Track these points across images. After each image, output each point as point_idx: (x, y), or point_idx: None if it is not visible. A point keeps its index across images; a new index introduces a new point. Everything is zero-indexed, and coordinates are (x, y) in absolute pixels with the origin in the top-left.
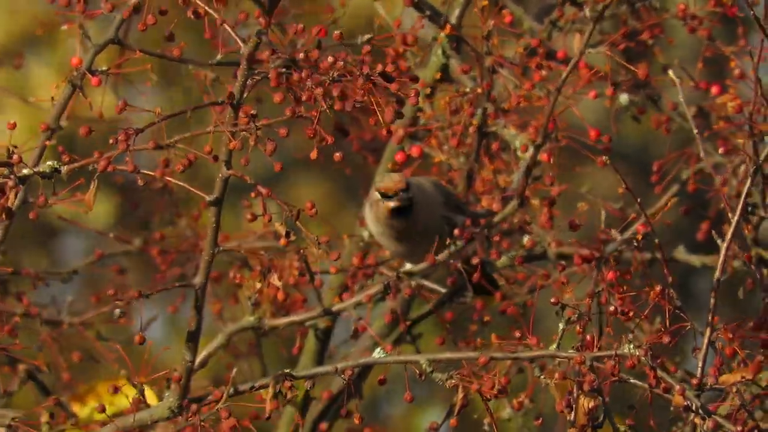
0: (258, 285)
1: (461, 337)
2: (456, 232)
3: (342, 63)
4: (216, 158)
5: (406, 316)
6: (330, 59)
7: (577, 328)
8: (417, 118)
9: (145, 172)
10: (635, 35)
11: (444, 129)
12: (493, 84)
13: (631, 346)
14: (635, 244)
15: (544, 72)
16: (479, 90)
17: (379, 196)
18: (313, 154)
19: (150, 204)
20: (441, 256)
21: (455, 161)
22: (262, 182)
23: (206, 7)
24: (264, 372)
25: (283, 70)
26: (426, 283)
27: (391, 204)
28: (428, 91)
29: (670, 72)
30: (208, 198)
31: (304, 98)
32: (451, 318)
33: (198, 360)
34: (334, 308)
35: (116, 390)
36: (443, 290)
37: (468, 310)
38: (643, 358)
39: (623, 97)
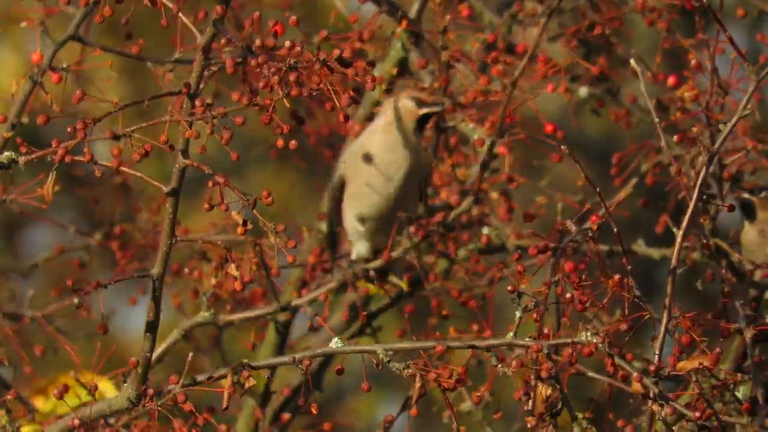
0: (214, 280)
1: (421, 330)
2: (412, 229)
3: (298, 49)
4: (172, 147)
5: (365, 308)
6: (287, 44)
7: (534, 315)
8: (374, 113)
9: (102, 162)
10: (594, 28)
11: None
12: (450, 79)
13: (588, 333)
14: (590, 234)
15: (501, 66)
16: (436, 85)
17: (411, 104)
18: (280, 143)
19: (110, 198)
20: (396, 252)
21: None
22: (222, 173)
23: None
24: (224, 364)
25: (239, 59)
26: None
27: (425, 110)
28: (385, 86)
29: (632, 61)
30: (165, 188)
31: (260, 86)
32: (410, 311)
33: (155, 356)
34: (292, 303)
35: (74, 383)
36: (402, 283)
37: (427, 303)
38: (600, 345)
39: (582, 90)
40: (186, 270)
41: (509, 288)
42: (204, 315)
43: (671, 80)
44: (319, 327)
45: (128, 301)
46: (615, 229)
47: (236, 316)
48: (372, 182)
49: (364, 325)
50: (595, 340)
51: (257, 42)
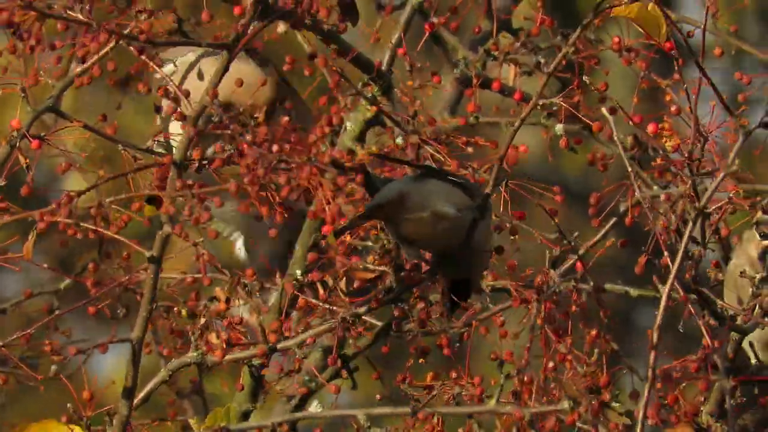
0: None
1: (398, 371)
2: (397, 278)
3: (288, 148)
4: (150, 221)
5: (341, 350)
6: (275, 148)
7: (516, 382)
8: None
9: (85, 225)
10: (571, 66)
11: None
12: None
13: (571, 402)
14: (573, 285)
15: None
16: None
17: None
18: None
19: (81, 244)
20: (384, 299)
21: None
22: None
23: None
24: (205, 409)
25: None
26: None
27: None
28: (356, 132)
29: (603, 109)
30: (147, 254)
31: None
32: (386, 352)
33: (140, 396)
34: (279, 346)
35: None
36: (380, 324)
37: (404, 345)
38: (583, 414)
39: (558, 127)
40: (168, 326)
41: (491, 356)
42: (192, 355)
43: (650, 128)
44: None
45: (99, 348)
46: (590, 282)
47: (224, 357)
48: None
49: (340, 368)
50: (578, 410)
51: (248, 137)
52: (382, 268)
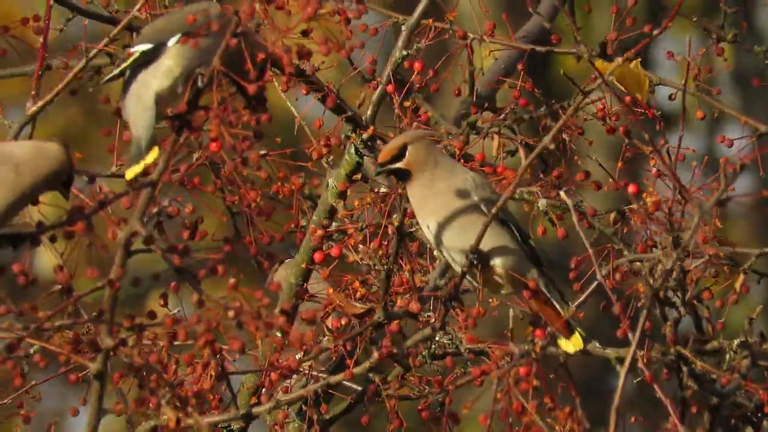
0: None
1: None
2: (376, 354)
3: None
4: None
5: (320, 417)
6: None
7: None
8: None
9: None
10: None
11: (361, 229)
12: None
13: None
14: (533, 356)
15: None
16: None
17: None
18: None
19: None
20: (358, 369)
21: (374, 261)
22: None
23: None
24: None
25: None
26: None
27: None
28: (340, 189)
29: (562, 193)
30: (90, 368)
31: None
32: (367, 422)
33: None
34: (254, 411)
35: None
36: (358, 388)
37: (384, 411)
38: None
39: (542, 202)
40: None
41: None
42: (164, 417)
43: (631, 188)
44: None
45: (70, 411)
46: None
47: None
48: None
49: None
50: None
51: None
52: (370, 304)
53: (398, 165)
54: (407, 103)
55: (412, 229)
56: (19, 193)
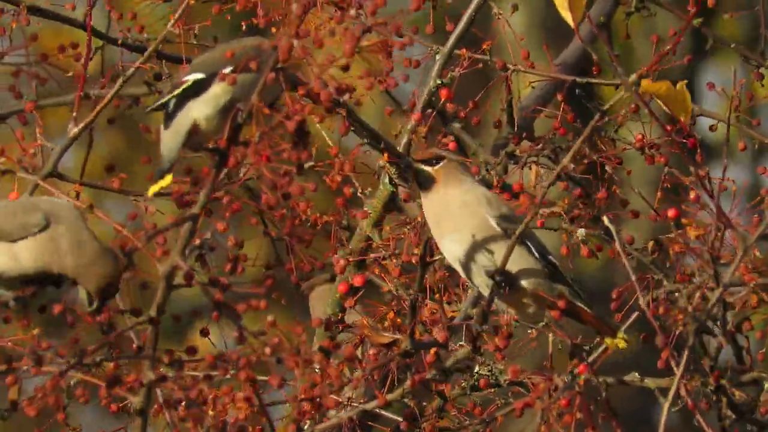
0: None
1: None
2: (408, 383)
3: None
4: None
5: None
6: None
7: None
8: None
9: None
10: (593, 167)
11: (390, 258)
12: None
13: None
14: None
15: None
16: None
17: None
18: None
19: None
20: (392, 396)
21: (400, 291)
22: None
23: None
24: None
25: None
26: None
27: None
28: (374, 220)
29: (605, 218)
30: (133, 401)
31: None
32: None
33: None
34: None
35: None
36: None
37: None
38: None
39: (580, 232)
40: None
41: None
42: None
43: (671, 213)
44: None
45: None
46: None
47: None
48: None
49: None
50: None
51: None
52: (397, 335)
53: (428, 168)
54: (440, 136)
55: (434, 259)
56: (60, 270)
